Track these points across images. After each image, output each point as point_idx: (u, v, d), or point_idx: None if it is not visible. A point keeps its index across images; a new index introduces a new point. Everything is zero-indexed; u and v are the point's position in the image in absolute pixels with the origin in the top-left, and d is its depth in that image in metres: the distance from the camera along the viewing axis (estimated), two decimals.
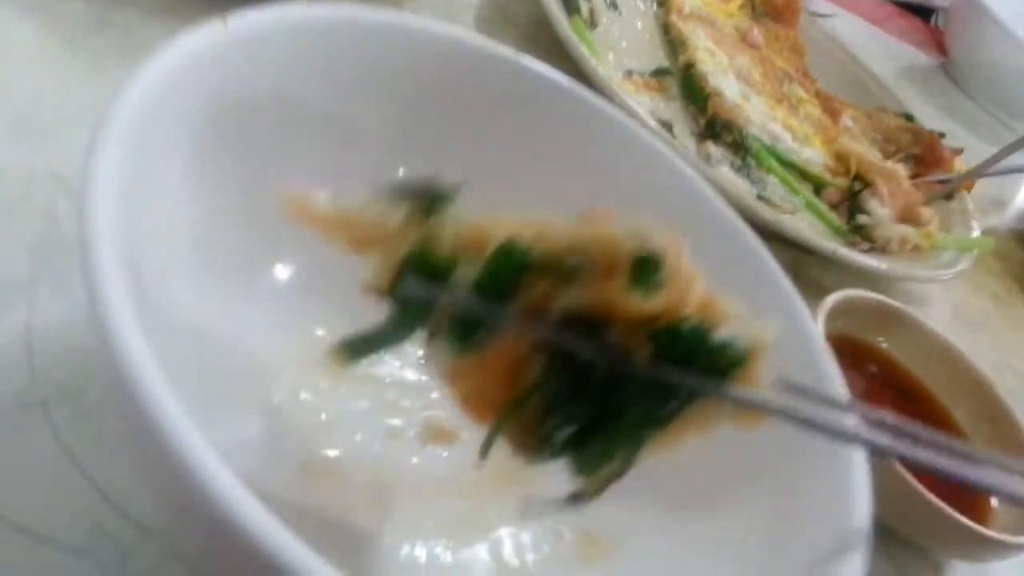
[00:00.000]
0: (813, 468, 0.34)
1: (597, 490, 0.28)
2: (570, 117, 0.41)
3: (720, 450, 0.36)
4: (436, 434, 0.36)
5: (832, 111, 0.80)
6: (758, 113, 0.71)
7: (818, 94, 0.81)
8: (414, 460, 0.35)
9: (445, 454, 0.36)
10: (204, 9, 0.29)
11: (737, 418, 0.28)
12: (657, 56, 0.73)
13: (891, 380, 0.58)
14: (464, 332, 0.28)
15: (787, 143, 0.70)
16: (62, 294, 0.34)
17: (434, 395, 0.37)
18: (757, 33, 0.81)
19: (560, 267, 0.27)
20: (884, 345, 0.58)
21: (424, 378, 0.38)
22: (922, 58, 1.25)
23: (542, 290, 0.27)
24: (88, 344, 0.33)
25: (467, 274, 0.27)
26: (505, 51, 0.39)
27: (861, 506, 0.32)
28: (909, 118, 0.86)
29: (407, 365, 0.38)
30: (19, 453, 0.30)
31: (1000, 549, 0.47)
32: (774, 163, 0.67)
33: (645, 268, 0.26)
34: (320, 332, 0.37)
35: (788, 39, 0.85)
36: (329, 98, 0.36)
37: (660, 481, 0.35)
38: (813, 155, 0.72)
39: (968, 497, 0.49)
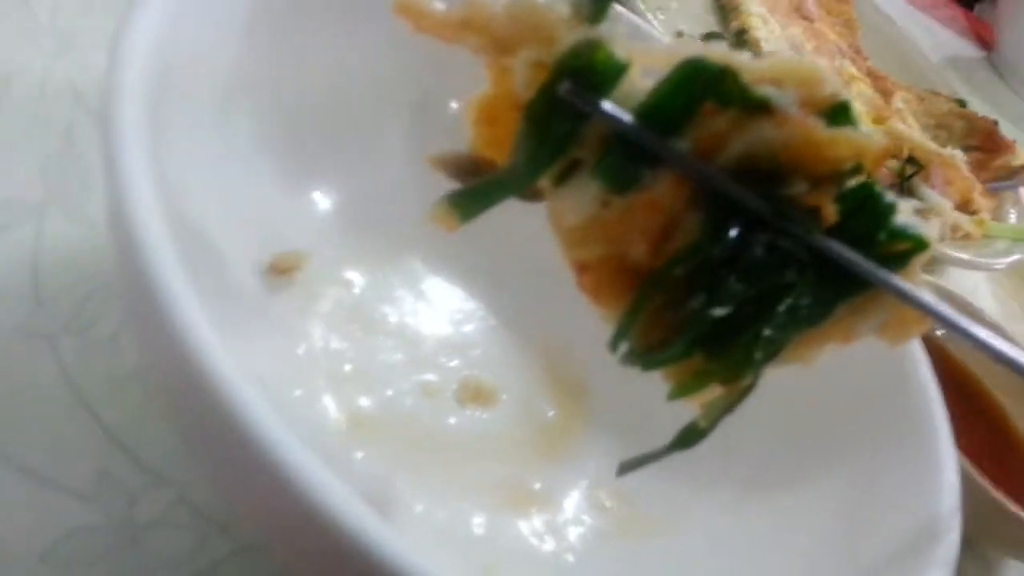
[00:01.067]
0: (894, 459, 0.31)
1: (712, 423, 0.25)
2: None
3: (791, 429, 0.34)
4: (475, 394, 0.33)
5: (884, 90, 0.76)
6: None
7: (869, 72, 0.78)
8: (451, 420, 0.32)
9: (485, 416, 0.33)
10: None
11: (891, 325, 0.25)
12: (708, 21, 0.70)
13: (948, 373, 0.55)
14: (616, 169, 0.23)
15: None
16: (73, 219, 0.31)
17: (476, 352, 0.34)
18: (812, 4, 0.78)
19: (748, 97, 0.23)
20: (939, 336, 0.55)
21: (468, 329, 0.35)
22: (967, 49, 1.22)
23: (720, 125, 0.23)
24: (100, 273, 0.30)
25: (631, 93, 0.23)
26: None
27: (949, 500, 0.29)
28: (962, 104, 0.82)
29: (446, 319, 0.35)
30: (24, 390, 0.27)
31: None
32: None
33: (845, 116, 0.23)
34: (350, 275, 0.34)
35: (842, 13, 0.82)
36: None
37: (717, 459, 0.32)
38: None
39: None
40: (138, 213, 0.18)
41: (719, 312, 0.23)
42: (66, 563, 0.25)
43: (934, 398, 0.33)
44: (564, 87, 0.23)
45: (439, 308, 0.36)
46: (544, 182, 0.25)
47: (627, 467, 0.27)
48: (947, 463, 0.30)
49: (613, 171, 0.23)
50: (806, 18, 0.76)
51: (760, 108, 0.23)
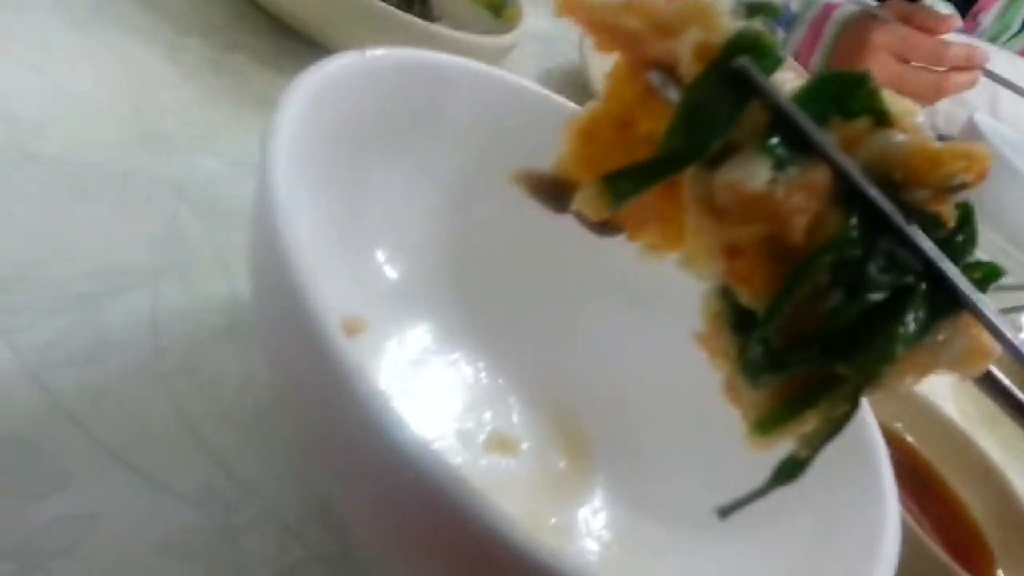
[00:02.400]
0: (850, 501, 0.38)
1: (814, 451, 0.26)
2: None
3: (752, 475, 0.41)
4: (500, 444, 0.40)
5: None
6: None
7: None
8: (482, 463, 0.39)
9: (509, 462, 0.40)
10: (306, 60, 0.34)
11: (967, 356, 0.25)
12: None
13: (908, 466, 0.62)
14: (781, 148, 0.24)
15: None
16: (182, 286, 0.39)
17: (501, 410, 0.42)
18: None
19: (879, 108, 0.25)
20: (899, 428, 0.63)
21: (500, 382, 0.42)
22: None
23: (855, 128, 0.25)
24: (205, 327, 0.38)
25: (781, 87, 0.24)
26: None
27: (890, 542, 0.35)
28: None
29: (472, 384, 0.43)
30: (145, 417, 0.34)
31: None
32: None
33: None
34: (399, 342, 0.41)
35: None
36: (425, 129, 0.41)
37: (690, 501, 0.39)
38: None
39: (971, 553, 0.52)
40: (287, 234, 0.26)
41: (855, 309, 0.24)
42: (173, 555, 0.31)
43: (882, 459, 0.39)
44: (741, 60, 0.24)
45: (465, 375, 0.43)
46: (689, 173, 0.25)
47: (727, 510, 0.28)
48: (890, 509, 0.36)
49: (779, 150, 0.24)
50: None
51: (887, 119, 0.25)
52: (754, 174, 0.24)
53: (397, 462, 0.24)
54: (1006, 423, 0.26)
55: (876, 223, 0.24)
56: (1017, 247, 1.24)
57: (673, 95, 0.26)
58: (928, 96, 1.29)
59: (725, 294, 0.27)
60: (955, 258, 0.25)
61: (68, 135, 0.41)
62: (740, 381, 0.26)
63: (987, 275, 0.25)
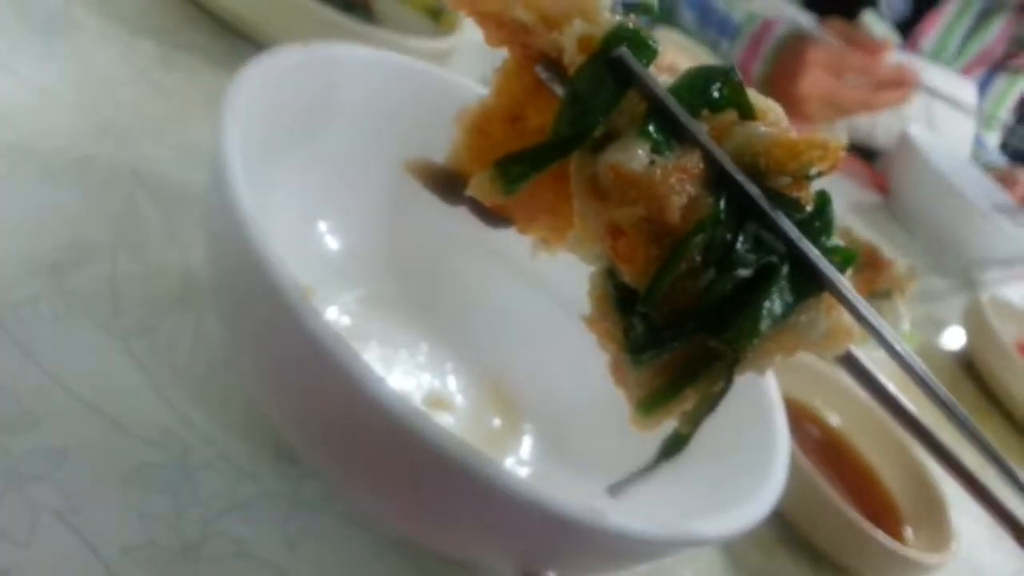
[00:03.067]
0: (745, 441, 0.43)
1: (694, 427, 0.28)
2: None
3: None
4: (437, 401, 0.45)
5: None
6: None
7: None
8: None
9: (451, 420, 0.45)
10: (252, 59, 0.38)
11: (831, 336, 0.27)
12: None
13: (825, 440, 0.68)
14: (658, 134, 0.26)
15: None
16: (139, 259, 0.43)
17: (448, 364, 0.47)
18: None
19: (745, 101, 0.27)
20: (820, 408, 0.69)
21: (438, 349, 0.47)
22: (869, 196, 1.41)
23: (723, 120, 0.27)
24: (161, 295, 0.42)
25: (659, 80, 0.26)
26: None
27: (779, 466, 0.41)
28: (847, 232, 0.99)
29: (413, 353, 0.48)
30: (107, 369, 0.38)
31: (912, 567, 0.56)
32: None
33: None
34: (363, 296, 0.46)
35: None
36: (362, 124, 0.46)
37: (605, 453, 0.44)
38: None
39: (881, 513, 0.58)
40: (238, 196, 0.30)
41: (725, 285, 0.26)
42: (139, 485, 0.36)
43: (778, 411, 0.44)
44: (621, 50, 0.27)
45: (404, 342, 0.48)
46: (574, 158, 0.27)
47: (617, 488, 0.30)
48: (780, 454, 0.41)
49: (656, 135, 0.27)
50: None
51: (750, 112, 0.28)
52: (634, 156, 0.26)
53: (362, 399, 0.27)
54: (921, 403, 0.29)
55: (743, 207, 0.27)
56: (947, 254, 1.32)
57: (559, 89, 0.29)
58: (859, 109, 1.37)
59: (610, 275, 0.29)
60: (813, 241, 0.27)
61: (33, 125, 0.46)
62: (625, 361, 0.29)
63: (844, 259, 0.28)
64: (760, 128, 0.28)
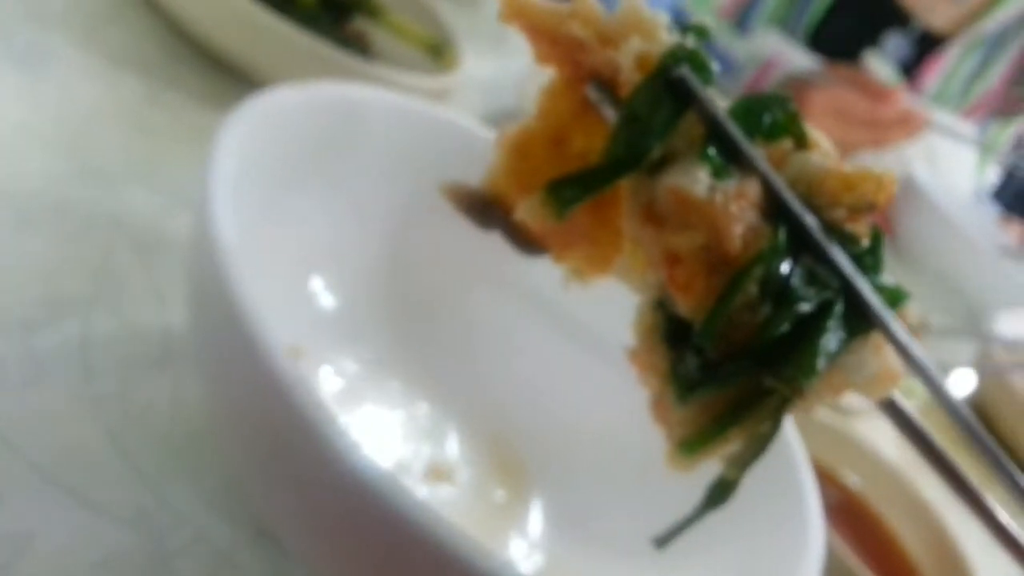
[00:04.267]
0: (774, 524, 0.40)
1: (741, 472, 0.27)
2: None
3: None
4: (437, 472, 0.42)
5: None
6: None
7: None
8: (420, 493, 0.41)
9: (453, 492, 0.42)
10: (243, 97, 0.35)
11: (878, 379, 0.26)
12: None
13: (847, 505, 0.65)
14: (718, 158, 0.25)
15: None
16: (116, 316, 0.40)
17: (448, 429, 0.44)
18: None
19: (800, 130, 0.27)
20: (838, 469, 0.66)
21: (437, 412, 0.44)
22: None
23: (779, 150, 0.27)
24: (137, 356, 0.39)
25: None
26: None
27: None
28: None
29: (409, 416, 0.44)
30: (78, 441, 0.35)
31: None
32: None
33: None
34: (335, 370, 0.43)
35: None
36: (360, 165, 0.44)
37: (625, 529, 0.41)
38: None
39: None
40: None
41: (787, 320, 0.25)
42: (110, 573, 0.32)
43: (809, 485, 0.42)
44: (683, 70, 0.26)
45: (402, 405, 0.45)
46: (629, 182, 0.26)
47: (663, 540, 0.29)
48: (814, 538, 0.38)
49: (716, 160, 0.26)
50: None
51: (805, 142, 0.27)
52: (695, 179, 0.25)
53: (348, 480, 0.25)
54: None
55: (799, 239, 0.26)
56: (952, 296, 1.30)
57: (608, 111, 0.28)
58: (866, 147, 1.35)
59: (660, 307, 0.28)
60: (865, 277, 0.26)
61: (6, 165, 0.43)
62: (669, 397, 0.27)
63: (892, 298, 0.27)
64: (815, 158, 0.27)
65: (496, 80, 0.82)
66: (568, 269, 0.33)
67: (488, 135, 0.47)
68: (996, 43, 1.46)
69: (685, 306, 0.26)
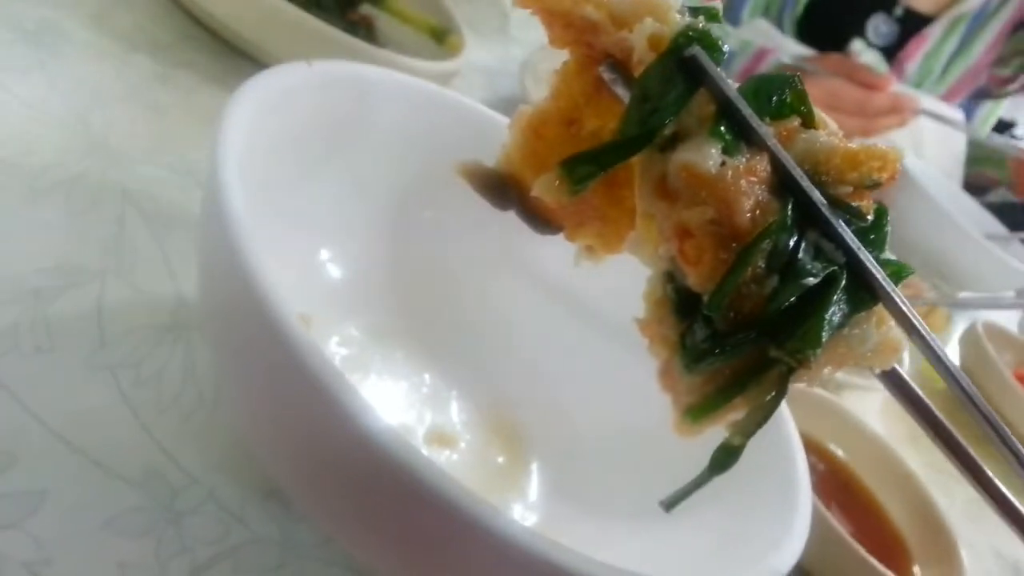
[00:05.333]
0: (764, 491, 0.40)
1: (746, 438, 0.27)
2: None
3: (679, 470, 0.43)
4: (439, 437, 0.42)
5: None
6: None
7: None
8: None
9: (453, 456, 0.42)
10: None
11: (881, 350, 0.26)
12: None
13: (835, 476, 0.64)
14: (729, 134, 0.26)
15: None
16: (127, 285, 0.40)
17: (451, 397, 0.43)
18: None
19: (808, 113, 0.27)
20: (825, 440, 0.65)
21: (441, 381, 0.44)
22: None
23: (787, 128, 0.27)
24: (149, 325, 0.39)
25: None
26: None
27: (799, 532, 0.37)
28: None
29: (413, 385, 0.44)
30: (91, 404, 0.35)
31: None
32: None
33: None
34: (364, 326, 0.43)
35: None
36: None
37: (620, 495, 0.41)
38: None
39: (890, 552, 0.55)
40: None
41: (793, 293, 0.25)
42: (120, 532, 0.32)
43: (799, 456, 0.41)
44: (695, 49, 0.26)
45: (406, 373, 0.45)
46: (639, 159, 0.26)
47: (671, 502, 0.29)
48: (803, 505, 0.38)
49: (726, 136, 0.26)
50: None
51: (811, 121, 0.27)
52: (707, 156, 0.26)
53: (358, 439, 0.25)
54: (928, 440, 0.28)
55: (806, 214, 0.26)
56: (943, 280, 1.29)
57: (621, 90, 0.28)
58: (857, 135, 1.34)
59: (670, 279, 0.28)
60: (870, 252, 0.26)
61: (19, 141, 0.43)
62: (677, 366, 0.27)
63: (896, 272, 0.27)
64: (822, 136, 0.27)
65: (498, 67, 0.81)
66: (580, 246, 0.33)
67: (493, 117, 0.46)
68: (977, 21, 1.45)
69: (695, 278, 0.26)
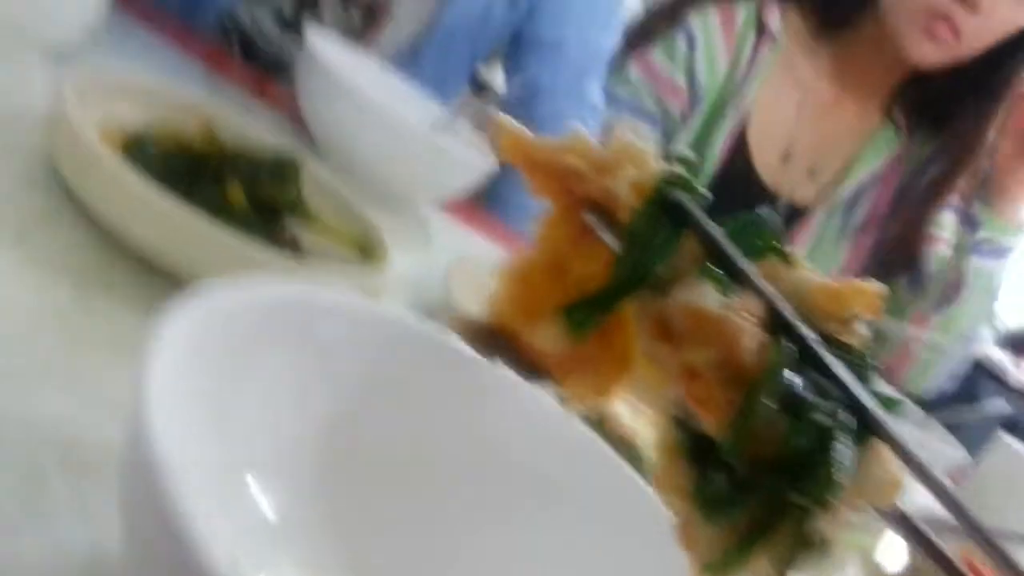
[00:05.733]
0: None
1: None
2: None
3: None
4: None
5: None
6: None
7: None
8: None
9: None
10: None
11: (885, 487, 0.25)
12: None
13: None
14: (720, 277, 0.26)
15: None
16: (41, 534, 0.36)
17: None
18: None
19: (783, 252, 0.28)
20: None
21: None
22: None
23: (770, 267, 0.27)
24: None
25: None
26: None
27: None
28: None
29: None
30: None
31: None
32: None
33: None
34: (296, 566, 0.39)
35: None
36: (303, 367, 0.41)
37: None
38: None
39: None
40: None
41: (810, 432, 0.24)
42: None
43: None
44: (680, 194, 0.27)
45: None
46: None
47: None
48: None
49: (719, 276, 0.26)
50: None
51: (788, 259, 0.28)
52: (707, 295, 0.26)
53: None
54: None
55: (801, 353, 0.26)
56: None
57: (606, 235, 0.29)
58: None
59: (679, 425, 0.27)
60: (862, 386, 0.26)
61: None
62: (695, 518, 0.26)
63: (886, 405, 0.27)
64: (804, 273, 0.28)
65: (424, 276, 0.81)
66: (570, 392, 0.33)
67: (421, 326, 0.45)
68: (851, 204, 1.53)
69: (707, 420, 0.26)
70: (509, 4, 1.27)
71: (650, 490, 0.43)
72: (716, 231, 0.27)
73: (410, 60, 1.25)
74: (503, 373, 0.39)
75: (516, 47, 1.33)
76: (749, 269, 0.27)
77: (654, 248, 0.27)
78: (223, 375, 0.36)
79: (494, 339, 0.31)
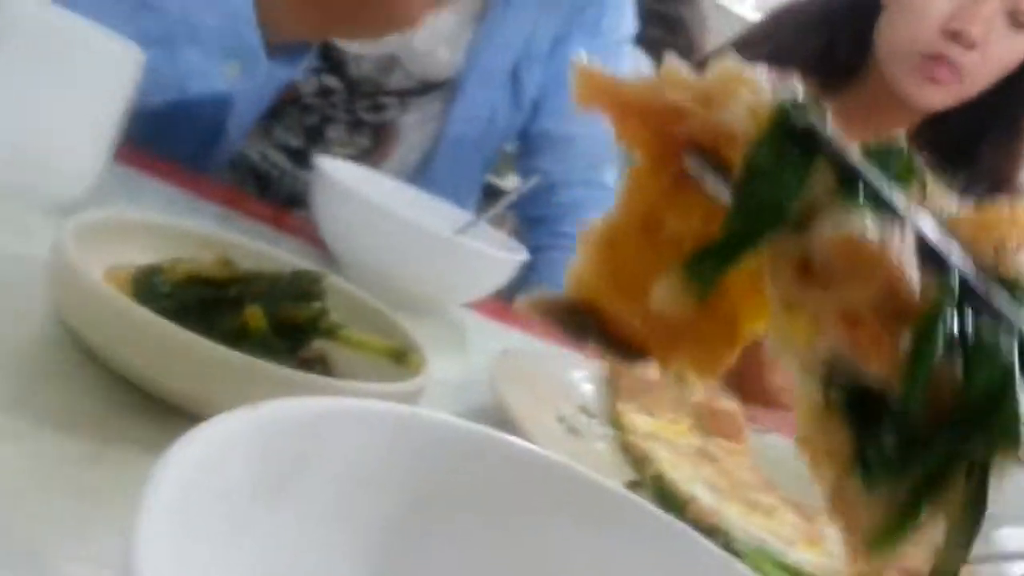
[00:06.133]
0: None
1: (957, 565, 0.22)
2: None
3: None
4: None
5: (806, 517, 0.80)
6: (736, 518, 0.71)
7: (785, 501, 0.82)
8: None
9: None
10: None
11: None
12: (625, 471, 0.75)
13: None
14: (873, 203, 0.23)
15: (773, 546, 0.70)
16: None
17: None
18: (714, 446, 0.84)
19: (920, 170, 0.25)
20: None
21: None
22: None
23: (914, 197, 0.24)
24: None
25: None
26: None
27: None
28: None
29: None
30: None
31: None
32: (769, 567, 0.66)
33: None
34: None
35: (742, 452, 0.88)
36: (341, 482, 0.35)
37: None
38: (802, 557, 0.71)
39: None
40: None
41: (994, 377, 0.21)
42: None
43: None
44: (812, 118, 0.24)
45: None
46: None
47: None
48: None
49: (868, 204, 0.23)
50: (712, 460, 0.82)
51: (927, 188, 0.25)
52: (865, 226, 0.22)
53: None
54: None
55: (961, 289, 0.23)
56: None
57: (710, 178, 0.25)
58: None
59: (829, 381, 0.23)
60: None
61: None
62: (853, 486, 0.23)
63: None
64: (946, 203, 0.25)
65: (465, 380, 0.75)
66: (673, 371, 0.29)
67: (463, 426, 0.39)
68: None
69: (876, 371, 0.22)
70: (513, 106, 1.25)
71: None
72: (855, 156, 0.24)
73: (421, 174, 1.23)
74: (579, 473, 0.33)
75: (526, 144, 1.31)
76: (895, 199, 0.23)
77: (782, 181, 0.23)
78: (239, 508, 0.31)
79: (582, 319, 0.27)
